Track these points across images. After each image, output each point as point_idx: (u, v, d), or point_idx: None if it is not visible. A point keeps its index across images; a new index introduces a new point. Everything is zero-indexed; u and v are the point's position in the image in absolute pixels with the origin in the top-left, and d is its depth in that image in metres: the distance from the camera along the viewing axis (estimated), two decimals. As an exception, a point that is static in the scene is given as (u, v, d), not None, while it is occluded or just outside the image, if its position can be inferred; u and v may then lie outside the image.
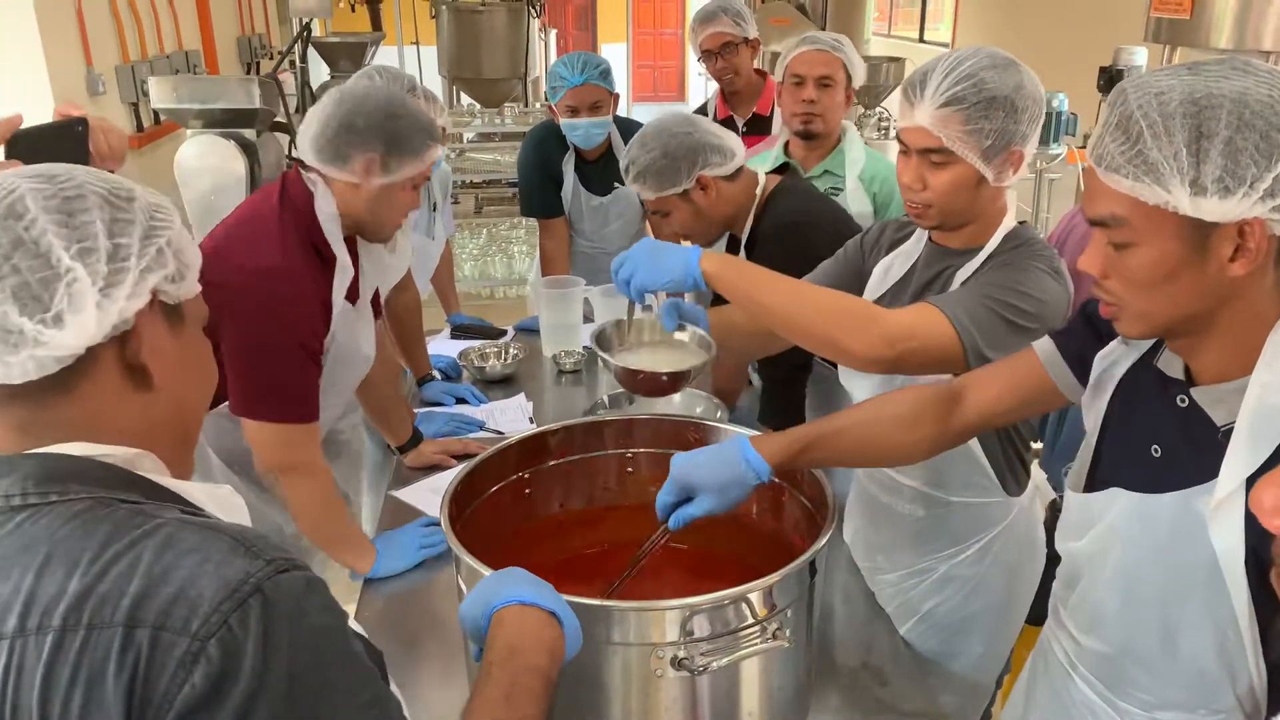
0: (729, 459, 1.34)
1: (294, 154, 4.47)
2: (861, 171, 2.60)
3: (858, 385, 1.76)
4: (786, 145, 2.72)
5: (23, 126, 1.38)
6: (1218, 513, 1.01)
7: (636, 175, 2.04)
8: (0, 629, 0.68)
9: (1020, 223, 1.63)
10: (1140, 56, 4.12)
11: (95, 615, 0.67)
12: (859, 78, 2.59)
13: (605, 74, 2.94)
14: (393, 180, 1.77)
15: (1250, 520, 0.99)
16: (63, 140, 1.41)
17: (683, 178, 2.01)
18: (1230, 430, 1.02)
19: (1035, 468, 1.84)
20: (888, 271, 1.74)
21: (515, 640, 0.97)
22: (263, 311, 1.67)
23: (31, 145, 1.37)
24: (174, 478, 0.83)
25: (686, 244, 1.94)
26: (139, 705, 0.66)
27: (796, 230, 2.04)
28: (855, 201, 2.57)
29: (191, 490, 0.82)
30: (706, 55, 3.12)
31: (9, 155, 1.34)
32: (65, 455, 0.76)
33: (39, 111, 1.48)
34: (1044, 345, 1.32)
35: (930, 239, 1.68)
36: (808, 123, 2.57)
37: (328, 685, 0.72)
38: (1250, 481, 0.99)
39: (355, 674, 0.75)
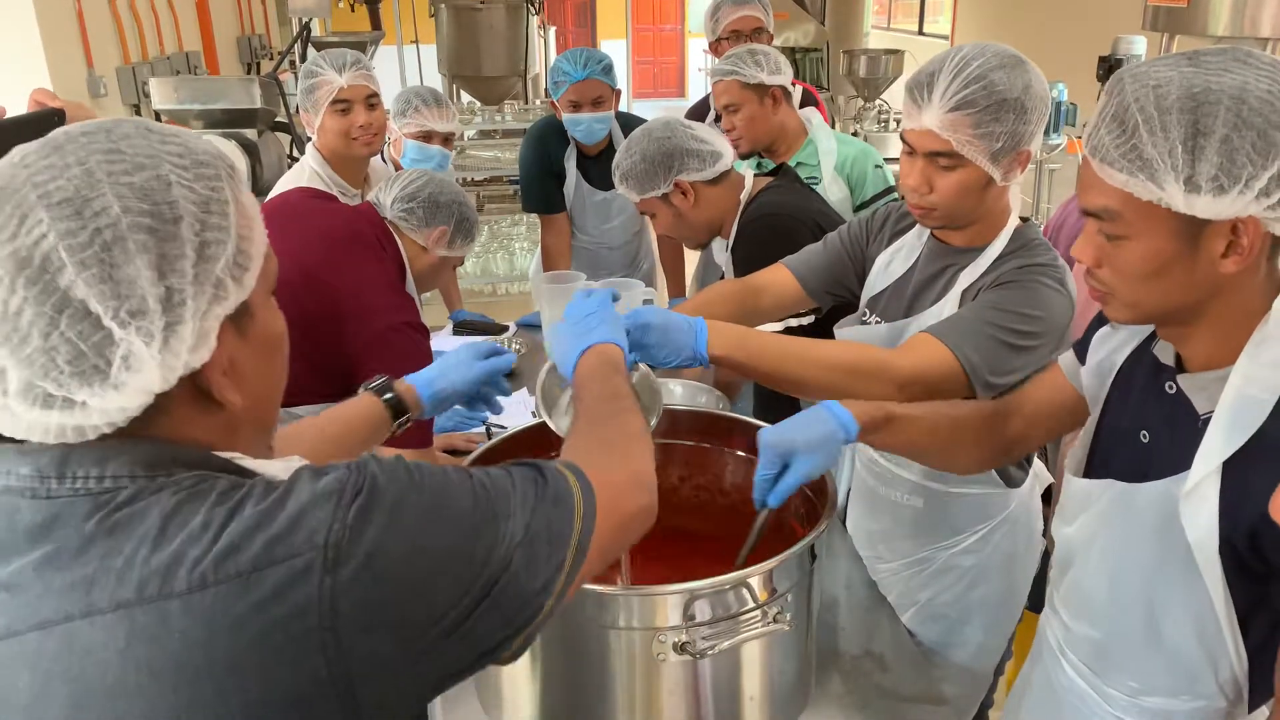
0: (819, 418, 1.31)
1: (295, 154, 4.48)
2: (836, 163, 2.62)
3: None
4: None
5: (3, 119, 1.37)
6: (1189, 500, 1.02)
7: (621, 178, 2.12)
8: (144, 591, 0.68)
9: (1024, 219, 1.62)
10: (1139, 45, 4.12)
11: (236, 566, 0.69)
12: (779, 75, 2.56)
13: (608, 69, 2.96)
14: (448, 255, 2.12)
15: (1224, 509, 1.00)
16: (38, 132, 1.41)
17: (660, 182, 2.07)
18: (1209, 419, 1.02)
19: (1035, 457, 1.84)
20: (888, 266, 1.75)
21: (600, 374, 1.20)
22: (423, 359, 1.88)
23: (5, 138, 1.36)
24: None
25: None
26: (317, 622, 0.70)
27: (770, 220, 2.07)
28: (834, 190, 2.59)
29: (270, 469, 0.81)
30: (733, 38, 3.08)
31: None
32: (167, 442, 0.75)
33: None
34: (1066, 358, 1.33)
35: (932, 234, 1.68)
36: (736, 146, 2.60)
37: (448, 504, 0.79)
38: (1225, 470, 1.00)
39: (462, 488, 0.81)
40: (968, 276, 1.59)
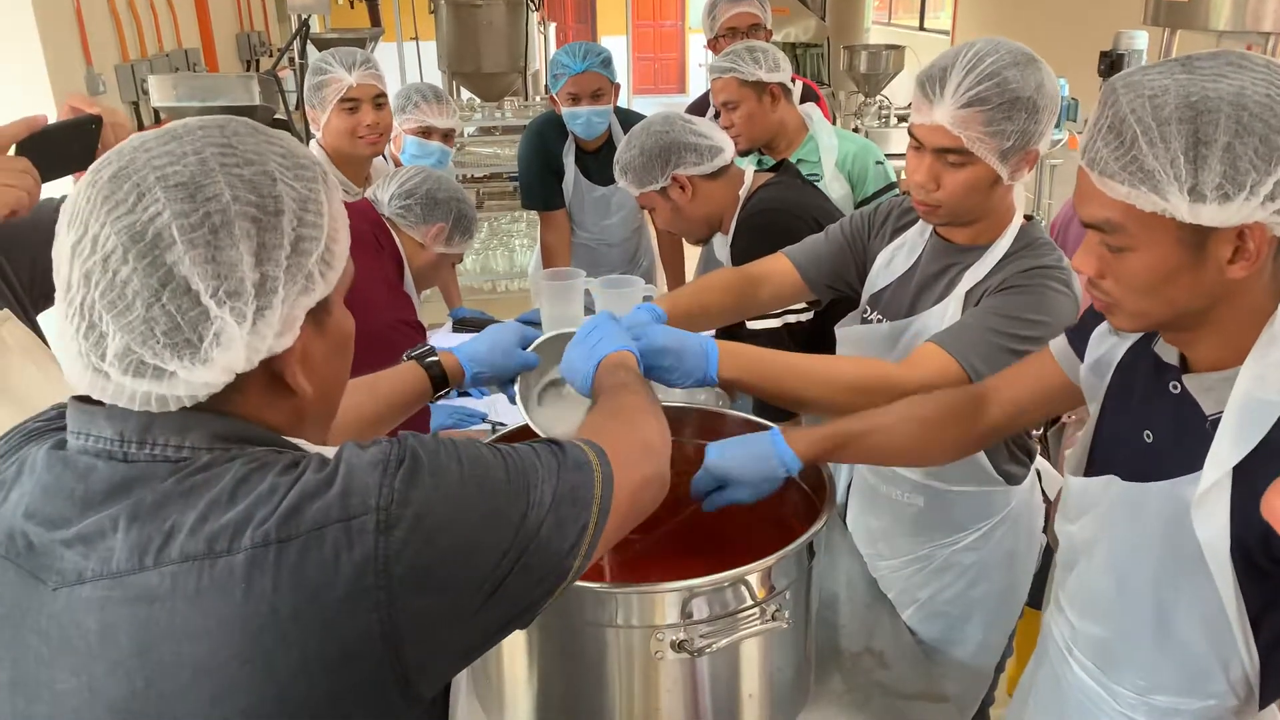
0: (762, 453, 1.34)
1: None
2: (837, 159, 2.62)
3: None
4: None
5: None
6: (1201, 504, 1.01)
7: (620, 171, 2.12)
8: (213, 546, 0.72)
9: (1028, 217, 1.61)
10: (1141, 40, 4.11)
11: (299, 526, 0.73)
12: (777, 72, 2.56)
13: (606, 62, 2.95)
14: (446, 252, 2.13)
15: (1236, 512, 0.99)
16: (74, 139, 1.40)
17: (658, 175, 2.07)
18: (1218, 420, 1.01)
19: (1039, 455, 1.83)
20: (890, 264, 1.73)
21: (613, 372, 1.26)
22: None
23: (43, 143, 1.35)
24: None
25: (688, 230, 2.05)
26: (373, 580, 0.73)
27: (769, 216, 2.07)
28: (835, 187, 2.59)
29: (325, 451, 0.84)
30: (730, 34, 3.08)
31: (19, 152, 1.33)
32: (241, 419, 0.79)
33: (41, 112, 1.47)
34: (1058, 343, 1.32)
35: (935, 231, 1.67)
36: (736, 142, 2.58)
37: (487, 473, 0.83)
38: (1237, 473, 0.99)
39: (495, 458, 0.85)
40: (971, 276, 1.57)
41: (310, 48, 5.78)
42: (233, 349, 0.75)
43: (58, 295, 0.76)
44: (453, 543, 0.78)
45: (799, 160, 2.61)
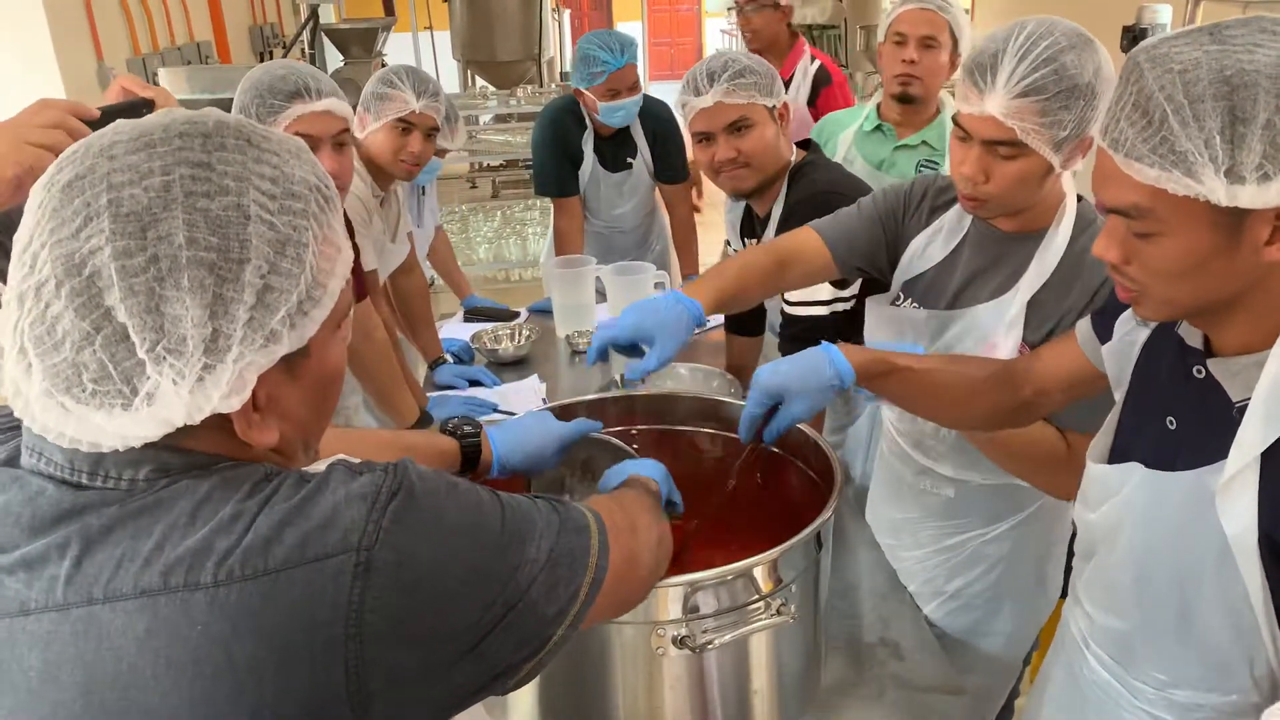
0: (815, 363, 1.32)
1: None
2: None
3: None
4: (879, 108, 2.57)
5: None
6: (1226, 492, 0.96)
7: (735, 74, 1.90)
8: (169, 580, 0.66)
9: (1080, 197, 1.52)
10: (1165, 14, 4.01)
11: (267, 562, 0.67)
12: (965, 41, 2.43)
13: (635, 51, 2.97)
14: None
15: (1264, 502, 0.94)
16: None
17: (774, 92, 1.96)
18: (1245, 407, 0.96)
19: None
20: (926, 249, 1.65)
21: (632, 482, 1.21)
22: None
23: (89, 128, 1.32)
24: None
25: (743, 174, 1.98)
26: (344, 629, 0.67)
27: (829, 198, 1.90)
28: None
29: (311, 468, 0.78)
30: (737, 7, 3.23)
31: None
32: (203, 455, 0.71)
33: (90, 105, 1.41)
34: (1082, 325, 1.27)
35: (977, 217, 1.58)
36: (906, 84, 2.41)
37: (480, 521, 0.78)
38: (1265, 460, 0.93)
39: (492, 507, 0.81)
40: (1034, 277, 1.48)
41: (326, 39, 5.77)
42: (169, 407, 0.66)
43: (3, 298, 0.68)
44: (434, 593, 0.71)
45: (921, 142, 2.50)
